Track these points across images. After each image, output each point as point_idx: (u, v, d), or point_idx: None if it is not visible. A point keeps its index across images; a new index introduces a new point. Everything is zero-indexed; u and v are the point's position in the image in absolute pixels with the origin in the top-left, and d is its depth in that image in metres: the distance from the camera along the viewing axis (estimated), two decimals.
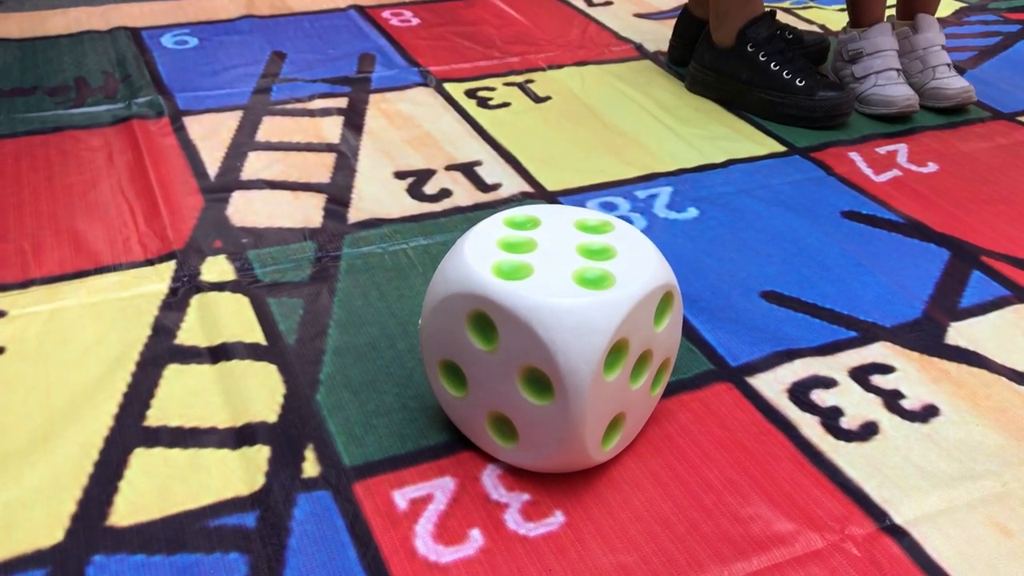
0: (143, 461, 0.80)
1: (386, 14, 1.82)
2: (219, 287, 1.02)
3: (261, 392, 0.88)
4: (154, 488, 0.77)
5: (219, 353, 0.92)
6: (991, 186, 1.31)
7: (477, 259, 0.76)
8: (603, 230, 0.81)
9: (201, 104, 1.43)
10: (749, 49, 1.48)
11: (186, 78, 1.52)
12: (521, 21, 1.81)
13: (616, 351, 0.73)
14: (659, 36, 1.75)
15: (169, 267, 1.05)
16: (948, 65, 1.52)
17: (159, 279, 1.03)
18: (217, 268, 1.05)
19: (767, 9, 1.52)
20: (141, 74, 1.52)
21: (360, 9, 1.83)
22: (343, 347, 0.94)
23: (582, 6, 1.90)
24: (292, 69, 1.56)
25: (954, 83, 1.50)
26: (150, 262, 1.06)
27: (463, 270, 0.75)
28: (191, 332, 0.95)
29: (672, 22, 1.71)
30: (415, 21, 1.79)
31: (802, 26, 1.83)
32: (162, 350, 0.93)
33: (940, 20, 1.88)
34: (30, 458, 0.80)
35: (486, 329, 0.75)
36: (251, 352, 0.93)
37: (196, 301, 1.00)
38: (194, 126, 1.37)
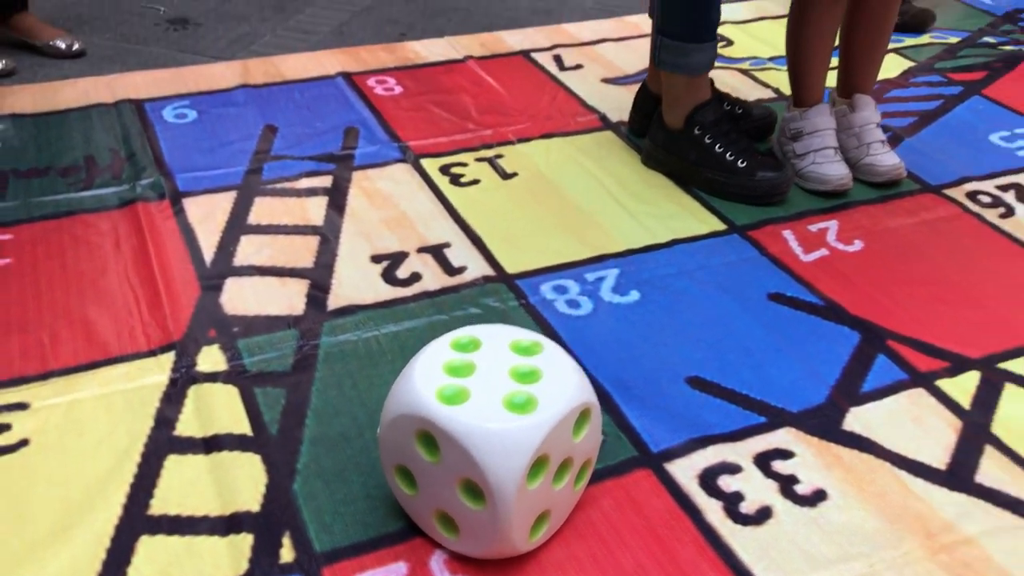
0: (148, 548, 0.95)
1: (371, 82, 1.96)
2: (212, 377, 1.18)
3: (247, 483, 1.03)
4: (157, 573, 0.93)
5: (212, 444, 1.08)
6: (909, 265, 1.45)
7: (424, 384, 0.91)
8: (533, 351, 0.96)
9: (199, 185, 1.58)
10: (696, 132, 1.62)
11: (185, 156, 1.66)
12: (496, 88, 1.95)
13: (538, 464, 0.89)
14: (622, 104, 1.89)
15: (169, 358, 1.20)
16: (882, 142, 1.66)
17: (160, 370, 1.18)
18: (211, 359, 1.20)
19: (738, 83, 1.67)
20: (144, 152, 1.67)
21: (347, 76, 1.97)
22: (318, 437, 1.10)
23: (554, 71, 2.04)
24: (283, 145, 1.71)
25: (886, 160, 1.64)
26: (153, 353, 1.21)
27: (412, 395, 0.90)
28: (188, 423, 1.11)
29: (636, 87, 1.85)
30: (398, 89, 1.93)
31: (758, 90, 1.97)
32: (163, 441, 1.08)
33: (888, 81, 2.03)
34: (53, 547, 0.95)
35: (430, 444, 0.90)
36: (239, 443, 1.08)
37: (192, 392, 1.15)
38: (192, 208, 1.52)
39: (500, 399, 0.90)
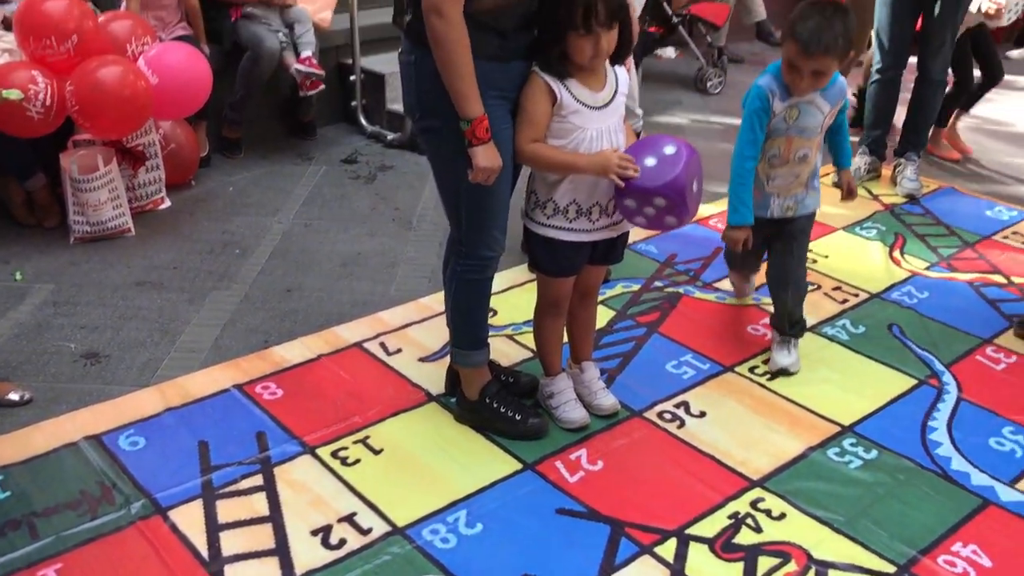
0: None
1: (258, 389, 2.77)
2: None
3: None
4: None
5: None
6: (633, 473, 2.45)
7: None
8: None
9: (175, 499, 2.33)
10: (487, 401, 2.58)
11: (154, 478, 2.40)
12: (348, 380, 2.81)
13: None
14: (437, 377, 2.80)
15: None
16: (603, 388, 2.69)
17: None
18: None
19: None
20: (123, 480, 2.39)
21: (239, 387, 2.77)
22: None
23: (383, 357, 2.94)
24: (217, 456, 2.48)
25: (606, 401, 2.66)
26: None
27: None
28: None
29: (444, 360, 2.77)
30: (280, 392, 2.75)
31: (522, 352, 2.96)
32: None
33: (601, 330, 3.08)
34: None
35: None
36: None
37: None
38: (178, 519, 2.26)
39: None
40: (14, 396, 2.68)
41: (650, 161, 2.26)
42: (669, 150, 2.29)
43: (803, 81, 2.57)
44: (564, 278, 2.51)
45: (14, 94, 3.25)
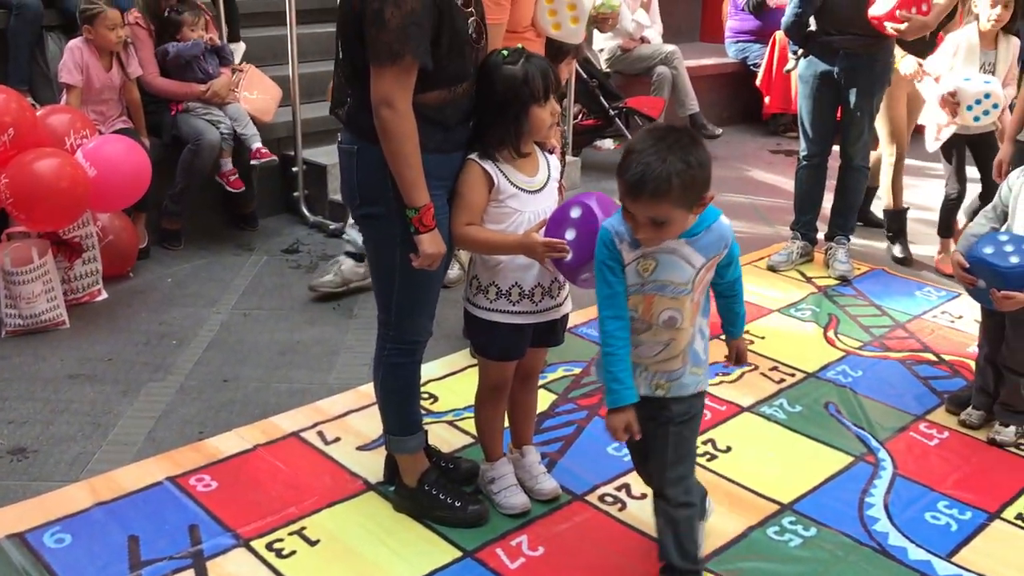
0: None
1: (192, 481, 2.70)
2: None
3: None
4: None
5: None
6: (574, 558, 2.43)
7: None
8: None
9: None
10: (426, 488, 2.55)
11: (82, 574, 2.31)
12: (284, 470, 2.76)
13: None
14: (376, 467, 2.77)
15: None
16: (544, 472, 2.67)
17: None
18: None
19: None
20: None
21: (172, 479, 2.70)
22: None
23: (321, 446, 2.89)
24: (148, 550, 2.40)
25: (547, 486, 2.64)
26: None
27: None
28: None
29: (382, 449, 2.73)
30: (214, 484, 2.69)
31: (463, 438, 2.93)
32: None
33: (543, 414, 3.07)
34: None
35: None
36: None
37: None
38: None
39: None
40: None
41: (570, 234, 2.27)
42: (575, 213, 2.26)
43: (640, 229, 1.99)
44: (507, 362, 2.52)
45: None
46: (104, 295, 3.89)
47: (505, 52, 2.32)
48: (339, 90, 2.35)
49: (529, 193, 2.36)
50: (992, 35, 4.02)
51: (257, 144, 4.43)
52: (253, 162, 4.39)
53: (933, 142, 4.28)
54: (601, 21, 4.76)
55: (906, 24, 3.91)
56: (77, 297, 3.79)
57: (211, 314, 3.81)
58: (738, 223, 5.04)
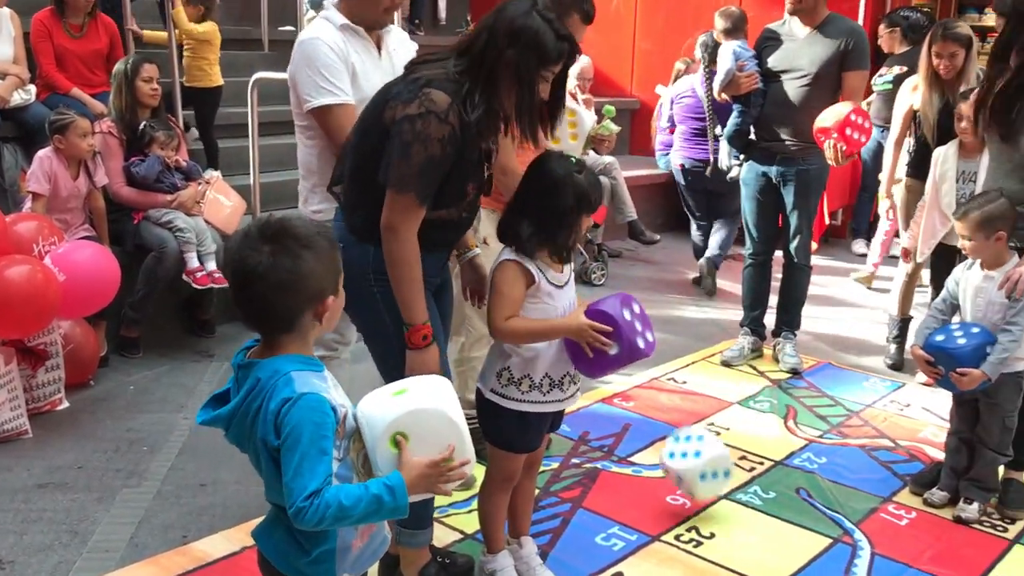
0: None
1: None
2: None
3: None
4: None
5: None
6: None
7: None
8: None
9: None
10: None
11: None
12: None
13: None
14: None
15: None
16: (541, 564, 2.69)
17: None
18: None
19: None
20: None
21: None
22: None
23: None
24: None
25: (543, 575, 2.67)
26: None
27: None
28: None
29: None
30: None
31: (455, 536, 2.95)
32: None
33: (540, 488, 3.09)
34: None
35: None
36: None
37: None
38: None
39: None
40: None
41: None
42: (627, 315, 2.40)
43: None
44: (527, 452, 2.57)
45: None
46: (66, 403, 3.80)
47: (573, 159, 2.42)
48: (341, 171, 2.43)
49: (559, 288, 2.47)
50: (973, 145, 3.87)
51: (212, 266, 4.42)
52: (205, 286, 4.36)
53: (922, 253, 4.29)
54: (599, 143, 4.93)
55: (836, 158, 4.13)
56: (39, 406, 3.70)
57: (179, 420, 3.76)
58: (688, 324, 5.23)
